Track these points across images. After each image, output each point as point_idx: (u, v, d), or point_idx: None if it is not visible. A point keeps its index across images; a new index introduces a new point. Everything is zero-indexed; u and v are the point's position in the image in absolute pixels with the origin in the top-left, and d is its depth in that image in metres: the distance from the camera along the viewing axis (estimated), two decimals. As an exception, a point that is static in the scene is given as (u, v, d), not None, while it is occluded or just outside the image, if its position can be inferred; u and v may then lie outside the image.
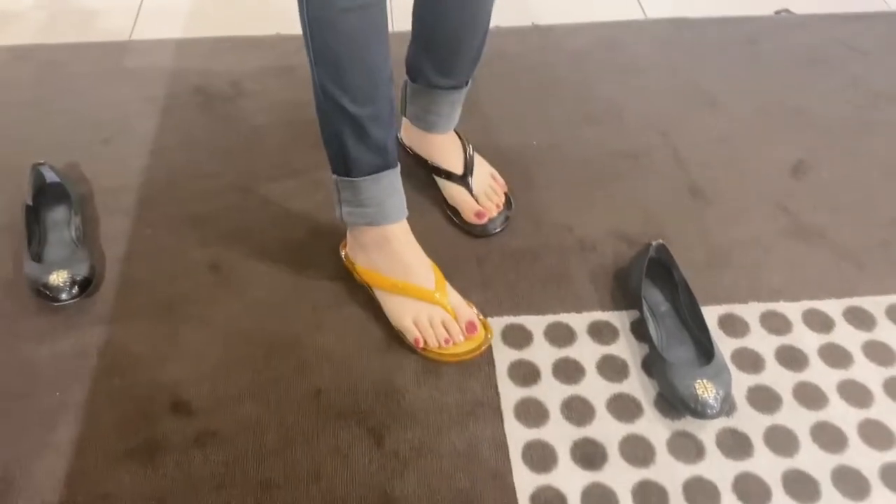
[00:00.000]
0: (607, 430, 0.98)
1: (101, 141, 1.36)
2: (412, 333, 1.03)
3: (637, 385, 1.02)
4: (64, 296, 1.07)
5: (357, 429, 0.98)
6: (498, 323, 1.09)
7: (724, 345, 1.06)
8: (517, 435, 0.97)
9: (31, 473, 0.93)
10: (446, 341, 1.02)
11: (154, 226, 1.21)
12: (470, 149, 1.23)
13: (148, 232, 1.20)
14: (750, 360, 1.05)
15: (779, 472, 0.94)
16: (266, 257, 1.17)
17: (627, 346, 1.07)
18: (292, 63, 1.52)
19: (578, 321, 1.09)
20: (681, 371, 0.98)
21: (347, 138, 0.95)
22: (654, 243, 1.10)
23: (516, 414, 0.99)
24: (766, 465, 0.94)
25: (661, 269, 1.12)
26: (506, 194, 1.24)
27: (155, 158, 1.33)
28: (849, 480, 0.93)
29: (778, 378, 1.03)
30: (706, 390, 0.96)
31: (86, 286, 1.09)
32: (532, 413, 0.99)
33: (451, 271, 1.13)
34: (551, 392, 1.01)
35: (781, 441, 0.97)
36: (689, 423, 0.98)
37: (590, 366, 1.04)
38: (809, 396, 1.01)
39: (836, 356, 1.06)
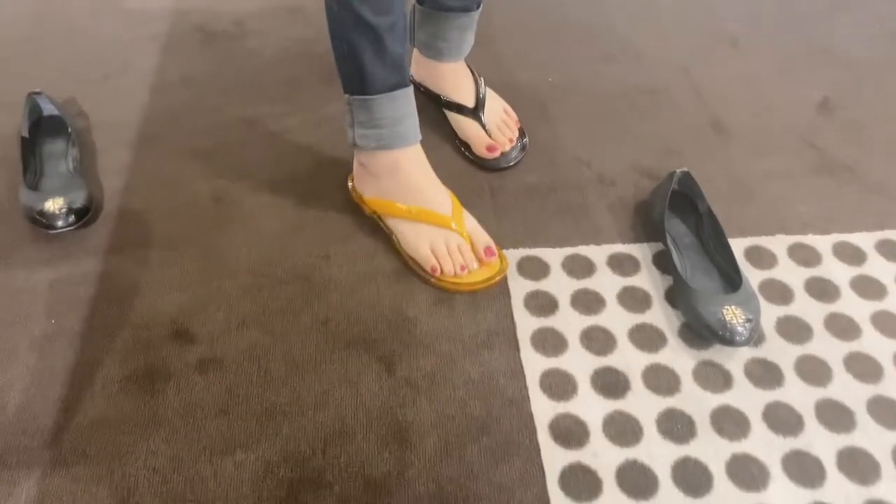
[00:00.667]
0: (629, 359, 0.93)
1: (101, 77, 1.31)
2: (429, 261, 0.99)
3: (661, 315, 0.97)
4: (60, 223, 1.02)
5: (367, 357, 0.93)
6: (513, 255, 1.04)
7: (752, 276, 1.01)
8: (534, 364, 0.92)
9: (25, 399, 0.88)
10: (462, 268, 0.98)
11: (155, 159, 1.17)
12: (482, 83, 1.18)
13: (149, 165, 1.16)
14: (778, 292, 1.00)
15: (811, 401, 0.89)
16: (271, 190, 1.12)
17: (650, 277, 1.02)
18: (298, 3, 1.47)
19: (598, 253, 1.04)
20: (708, 298, 0.93)
21: (364, 52, 0.90)
22: (677, 172, 1.05)
23: (533, 343, 0.94)
24: (798, 394, 0.90)
25: (685, 199, 1.07)
26: (520, 129, 1.19)
27: (156, 94, 1.28)
28: (886, 410, 0.88)
29: (808, 309, 0.98)
30: (735, 316, 0.91)
31: (83, 214, 1.04)
32: (550, 342, 0.94)
33: (464, 203, 1.08)
34: (570, 322, 0.96)
35: (813, 371, 0.92)
36: (715, 353, 0.93)
37: (610, 297, 0.99)
38: (841, 327, 0.96)
39: (868, 288, 1.01)
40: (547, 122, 1.25)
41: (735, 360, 0.93)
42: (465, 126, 1.17)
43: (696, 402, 0.89)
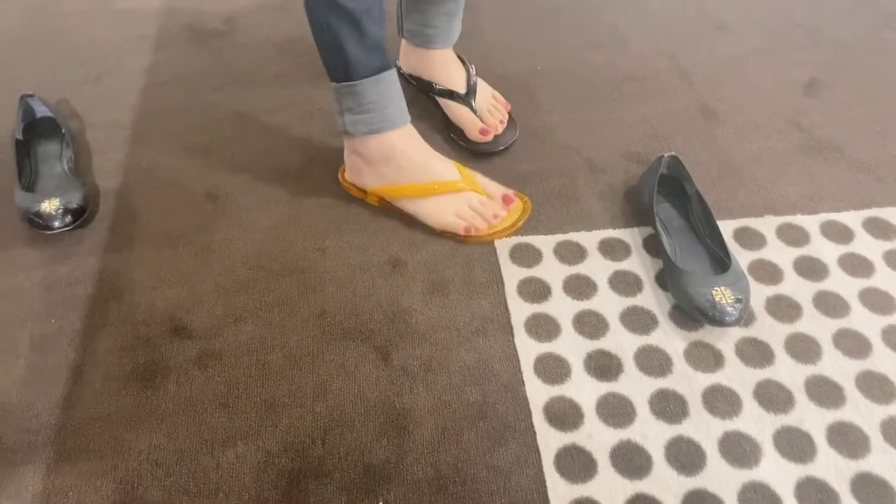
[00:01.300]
0: (622, 342, 0.94)
1: (92, 78, 1.32)
2: (459, 226, 1.03)
3: (651, 298, 0.99)
4: (56, 224, 1.03)
5: (363, 347, 0.94)
6: (506, 243, 1.05)
7: (741, 257, 1.03)
8: (528, 349, 0.93)
9: (27, 398, 0.90)
10: (495, 217, 1.03)
11: (149, 158, 1.18)
12: (473, 69, 1.19)
13: (143, 163, 1.17)
14: (767, 272, 1.02)
15: (801, 378, 0.90)
16: (264, 185, 1.13)
17: (640, 261, 1.03)
18: (285, 1, 1.48)
19: (589, 239, 1.06)
20: (697, 280, 0.95)
21: (345, 39, 0.92)
22: (665, 156, 1.06)
23: (527, 329, 0.95)
24: (788, 372, 0.91)
25: (673, 183, 1.08)
26: (509, 114, 1.20)
27: (148, 94, 1.29)
28: (874, 385, 0.90)
29: (797, 288, 1.00)
30: (724, 297, 0.92)
31: (79, 215, 1.05)
32: (543, 328, 0.96)
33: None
34: (562, 307, 0.98)
35: (803, 349, 0.93)
36: (706, 334, 0.95)
37: (601, 281, 1.01)
38: (831, 305, 0.98)
39: (856, 265, 1.02)
40: (536, 110, 1.26)
41: (726, 340, 0.94)
42: (457, 112, 1.18)
43: (688, 381, 0.90)
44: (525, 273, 1.01)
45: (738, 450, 0.84)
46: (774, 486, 0.82)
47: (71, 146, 1.15)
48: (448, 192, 1.03)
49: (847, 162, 1.16)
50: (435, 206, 1.04)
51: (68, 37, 1.42)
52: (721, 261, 0.99)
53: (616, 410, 0.88)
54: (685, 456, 0.84)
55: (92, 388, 0.90)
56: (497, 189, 1.07)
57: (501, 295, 0.99)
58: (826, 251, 1.04)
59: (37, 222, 1.03)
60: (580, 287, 1.00)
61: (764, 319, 0.96)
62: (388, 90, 0.98)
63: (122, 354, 0.93)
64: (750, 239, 1.05)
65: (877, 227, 1.06)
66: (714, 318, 0.92)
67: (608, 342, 0.94)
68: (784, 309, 0.97)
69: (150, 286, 1.01)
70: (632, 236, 1.06)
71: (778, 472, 0.83)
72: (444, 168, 1.05)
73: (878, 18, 1.44)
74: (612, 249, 1.04)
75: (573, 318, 0.97)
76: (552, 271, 1.02)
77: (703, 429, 0.86)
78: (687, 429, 0.86)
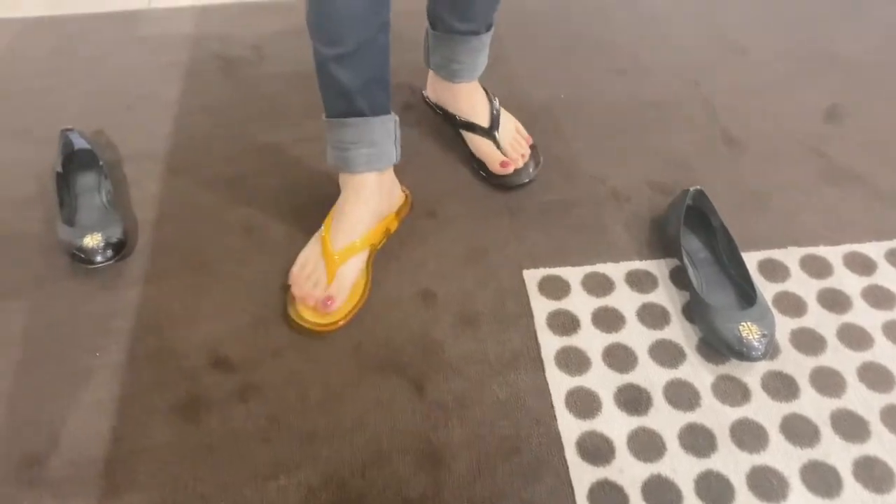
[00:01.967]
0: (650, 375, 0.97)
1: (124, 108, 1.35)
2: (293, 271, 1.05)
3: (679, 331, 1.01)
4: (99, 258, 1.06)
5: (398, 380, 0.97)
6: (534, 275, 1.08)
7: (765, 289, 1.05)
8: (559, 383, 0.96)
9: (75, 431, 0.93)
10: (304, 299, 1.02)
11: (183, 189, 1.21)
12: (496, 102, 1.22)
13: (177, 195, 1.20)
14: (792, 304, 1.04)
15: (827, 412, 0.93)
16: (297, 217, 1.16)
17: (667, 293, 1.05)
18: (313, 26, 1.50)
19: (616, 271, 1.08)
20: (724, 315, 0.97)
21: (318, 75, 0.97)
22: (691, 189, 1.08)
23: (557, 363, 0.98)
24: (814, 405, 0.93)
25: (699, 215, 1.10)
26: (532, 147, 1.23)
27: (179, 124, 1.32)
28: (899, 419, 0.92)
29: (821, 321, 1.02)
30: (751, 332, 0.95)
31: (120, 248, 1.08)
32: (573, 361, 0.98)
33: (483, 224, 1.14)
34: (592, 340, 1.00)
35: (828, 382, 0.95)
36: (733, 367, 0.97)
37: (630, 314, 1.03)
38: (854, 338, 1.00)
39: (879, 297, 1.04)
40: (561, 138, 1.28)
41: (752, 373, 0.97)
42: (480, 145, 1.21)
43: (716, 415, 0.93)
44: (554, 305, 1.04)
45: (766, 484, 0.87)
46: (802, 521, 0.84)
47: (109, 178, 1.18)
48: (320, 247, 1.05)
49: (868, 191, 1.18)
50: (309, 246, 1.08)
51: (99, 65, 1.45)
52: (747, 294, 1.01)
53: (646, 445, 0.90)
54: (714, 490, 0.86)
55: (137, 422, 0.93)
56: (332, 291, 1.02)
57: (531, 328, 1.02)
58: (848, 283, 1.06)
59: (79, 256, 1.07)
60: (608, 320, 1.02)
61: (789, 352, 0.99)
62: (352, 135, 1.00)
63: (165, 388, 0.96)
64: (774, 271, 1.08)
65: (899, 259, 1.08)
66: (741, 353, 0.94)
67: (637, 376, 0.97)
68: (808, 342, 1.00)
69: (190, 319, 1.04)
70: (658, 268, 1.08)
71: (805, 507, 0.85)
72: (343, 233, 1.05)
73: (897, 43, 1.46)
74: (639, 281, 1.07)
75: (602, 351, 0.99)
76: (581, 304, 1.04)
77: (732, 463, 0.89)
78: (716, 463, 0.89)
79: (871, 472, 0.87)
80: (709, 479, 0.87)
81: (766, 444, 0.90)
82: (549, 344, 1.00)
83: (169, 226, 1.15)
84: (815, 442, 0.90)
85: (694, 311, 1.01)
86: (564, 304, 1.04)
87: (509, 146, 1.20)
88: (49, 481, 0.88)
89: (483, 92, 1.23)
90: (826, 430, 0.91)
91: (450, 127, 1.26)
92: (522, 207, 1.17)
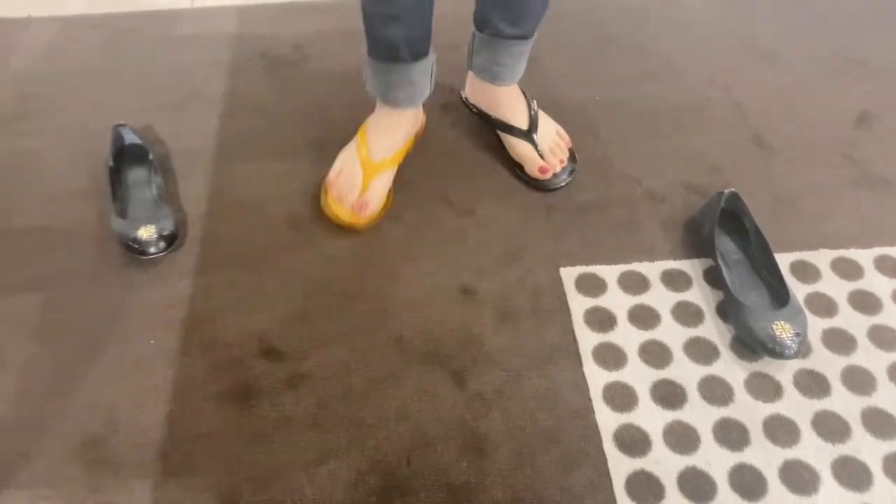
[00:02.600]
0: (685, 371, 1.00)
1: (172, 105, 1.40)
2: (330, 173, 1.20)
3: (713, 329, 1.04)
4: (152, 249, 1.11)
5: (440, 372, 1.01)
6: (571, 272, 1.11)
7: (797, 290, 1.08)
8: (597, 377, 0.99)
9: (134, 415, 0.97)
10: (339, 199, 1.16)
11: (231, 185, 1.25)
12: (534, 105, 1.25)
13: (226, 190, 1.24)
14: (823, 305, 1.06)
15: (857, 409, 0.95)
16: (340, 212, 1.20)
17: (701, 292, 1.08)
18: (354, 27, 1.53)
19: (651, 269, 1.11)
20: (758, 314, 1.00)
21: (364, 25, 1.09)
22: (725, 192, 1.11)
23: (595, 358, 1.01)
24: (844, 403, 0.96)
25: (732, 217, 1.13)
26: (570, 150, 1.26)
27: (226, 121, 1.36)
28: (928, 417, 0.95)
29: (852, 321, 1.04)
30: (784, 331, 0.98)
31: (172, 240, 1.13)
32: (610, 357, 1.01)
33: (521, 223, 1.17)
34: (628, 337, 1.03)
35: (859, 381, 0.98)
36: (765, 365, 1.00)
37: (665, 312, 1.06)
38: (885, 339, 1.02)
39: (909, 300, 1.07)
40: (597, 139, 1.31)
41: (784, 371, 1.00)
42: (518, 147, 1.24)
43: (749, 411, 0.96)
44: (591, 302, 1.07)
45: (798, 478, 0.90)
46: (833, 514, 0.87)
47: (159, 172, 1.23)
48: (356, 153, 1.19)
49: (899, 196, 1.20)
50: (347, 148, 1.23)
51: (146, 63, 1.49)
52: (779, 294, 1.04)
53: (681, 438, 0.94)
54: (748, 483, 0.90)
55: (192, 407, 0.98)
56: (371, 200, 1.16)
57: (569, 324, 1.05)
58: (879, 285, 1.08)
59: (134, 248, 1.11)
60: (644, 317, 1.06)
61: (820, 351, 1.01)
62: (393, 78, 1.14)
63: (218, 375, 1.01)
64: (805, 272, 1.10)
65: (929, 262, 1.11)
66: (774, 351, 0.97)
67: (672, 372, 1.00)
68: (839, 342, 1.02)
69: (240, 309, 1.08)
70: (692, 268, 1.11)
71: (836, 500, 0.88)
72: (379, 147, 1.19)
73: (928, 49, 1.48)
74: (674, 280, 1.10)
75: (638, 347, 1.02)
76: (617, 301, 1.07)
77: (764, 457, 0.92)
78: (749, 456, 0.92)
79: (900, 469, 0.90)
80: (742, 471, 0.90)
81: (797, 439, 0.93)
82: (587, 339, 1.03)
83: (218, 219, 1.20)
84: (847, 438, 0.93)
85: (728, 310, 1.04)
86: (601, 301, 1.07)
87: (549, 150, 1.23)
88: (110, 462, 0.93)
89: (522, 94, 1.26)
90: (857, 427, 0.94)
91: (488, 128, 1.29)
92: (559, 206, 1.20)
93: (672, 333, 1.04)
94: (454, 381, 1.00)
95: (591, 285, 1.09)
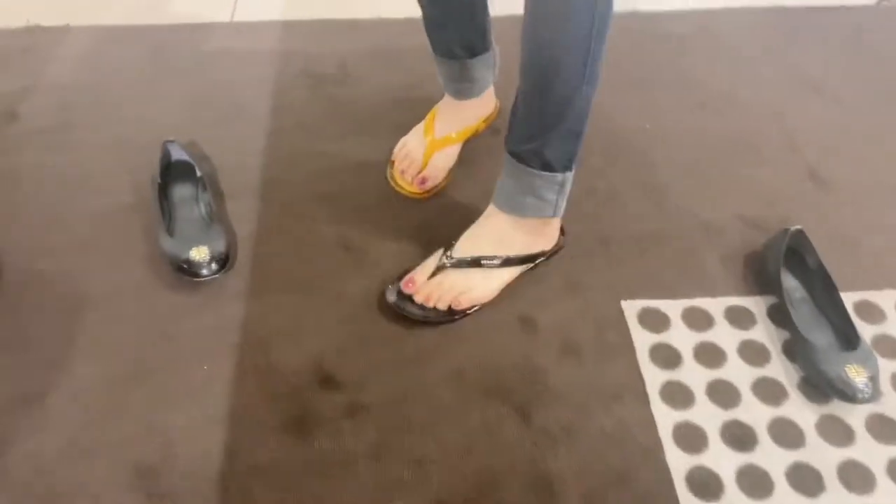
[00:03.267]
0: (754, 413, 0.98)
1: (216, 121, 1.37)
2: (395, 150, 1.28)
3: (780, 369, 1.02)
4: (204, 272, 1.08)
5: (503, 407, 0.98)
6: (633, 306, 1.09)
7: (863, 331, 1.05)
8: (665, 416, 0.97)
9: (187, 443, 0.94)
10: (402, 172, 1.23)
11: (280, 204, 1.22)
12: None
13: (275, 210, 1.21)
14: (890, 347, 1.05)
15: (933, 457, 0.93)
16: (393, 235, 1.17)
17: (766, 331, 1.06)
18: (397, 46, 1.52)
19: (714, 305, 1.09)
20: (829, 355, 0.98)
21: (423, 22, 1.15)
22: (791, 229, 1.09)
23: (662, 396, 0.99)
24: (919, 450, 0.94)
25: (795, 254, 1.11)
26: (449, 309, 1.07)
27: (272, 139, 1.34)
28: None
29: (921, 365, 1.03)
30: (857, 374, 0.96)
31: (224, 262, 1.10)
32: (678, 396, 0.99)
33: (577, 254, 1.15)
34: (695, 375, 1.01)
35: (932, 427, 0.96)
36: (835, 408, 0.98)
37: (730, 350, 1.04)
38: (955, 383, 1.01)
39: (977, 344, 1.05)
40: (650, 168, 1.29)
41: (855, 415, 0.97)
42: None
43: (822, 456, 0.94)
44: (655, 339, 1.05)
45: (877, 527, 0.88)
46: (916, 567, 0.85)
47: (208, 190, 1.20)
48: (423, 130, 1.27)
49: (960, 237, 1.19)
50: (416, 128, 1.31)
51: (188, 77, 1.47)
52: (847, 335, 1.02)
53: (755, 482, 0.91)
54: (826, 531, 0.87)
55: (248, 437, 0.95)
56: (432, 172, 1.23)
57: (633, 360, 1.03)
58: (946, 327, 1.07)
59: (185, 269, 1.08)
60: (709, 355, 1.03)
61: (890, 395, 1.00)
62: (447, 73, 1.21)
63: (274, 404, 0.98)
64: (870, 312, 1.09)
65: None
66: (846, 394, 0.95)
67: (741, 412, 0.97)
68: (910, 385, 1.00)
69: (294, 335, 1.05)
70: (756, 305, 1.09)
71: (917, 552, 0.86)
72: (443, 129, 1.26)
73: (977, 87, 1.47)
74: (738, 317, 1.08)
75: (706, 386, 1.00)
76: (681, 338, 1.05)
77: (841, 504, 0.89)
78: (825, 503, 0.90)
79: (980, 520, 0.88)
80: (820, 519, 0.88)
81: (873, 486, 0.91)
82: (654, 377, 1.01)
83: (267, 241, 1.17)
84: (924, 487, 0.91)
85: (796, 349, 1.02)
86: (665, 337, 1.05)
87: (436, 283, 1.07)
88: (165, 493, 0.90)
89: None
90: (933, 476, 0.92)
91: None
92: (614, 235, 1.18)
93: (739, 372, 1.02)
94: (519, 417, 0.97)
95: (655, 321, 1.07)
